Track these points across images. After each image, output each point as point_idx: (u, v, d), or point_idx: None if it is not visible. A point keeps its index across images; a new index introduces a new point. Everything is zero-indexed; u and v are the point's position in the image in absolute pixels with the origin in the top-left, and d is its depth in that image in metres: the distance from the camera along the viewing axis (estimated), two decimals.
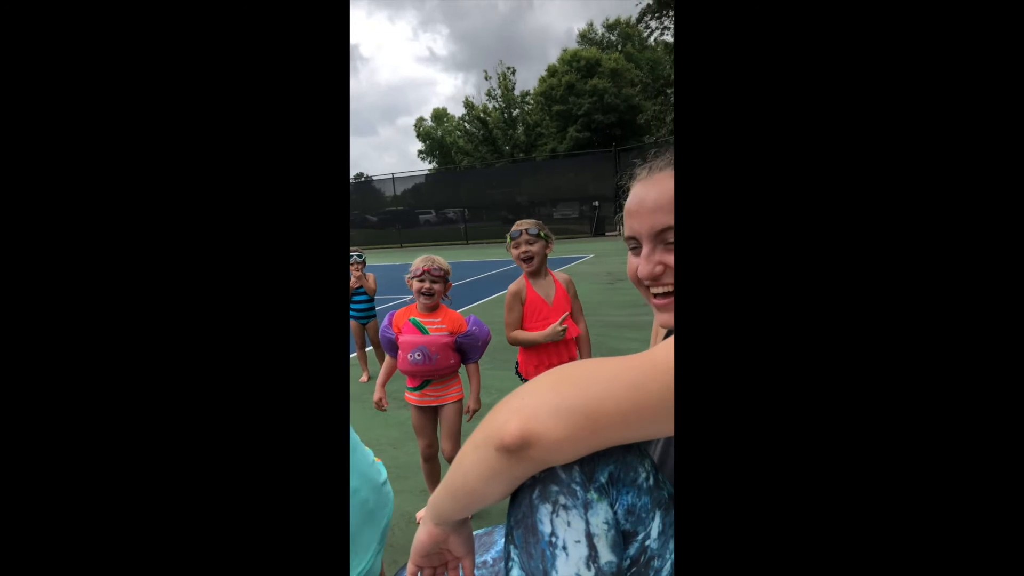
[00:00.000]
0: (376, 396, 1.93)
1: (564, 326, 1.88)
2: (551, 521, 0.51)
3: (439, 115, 30.70)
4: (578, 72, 23.99)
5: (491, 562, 0.83)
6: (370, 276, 3.54)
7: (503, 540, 0.73)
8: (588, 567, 0.50)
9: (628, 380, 0.50)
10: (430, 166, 29.73)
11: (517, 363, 2.02)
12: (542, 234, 1.91)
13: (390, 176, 19.58)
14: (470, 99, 29.80)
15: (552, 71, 25.20)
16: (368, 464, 0.87)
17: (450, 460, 1.88)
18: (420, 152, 30.63)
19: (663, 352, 0.53)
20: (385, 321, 1.91)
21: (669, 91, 20.02)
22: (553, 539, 0.51)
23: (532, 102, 28.08)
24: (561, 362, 1.86)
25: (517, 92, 29.94)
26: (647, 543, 0.54)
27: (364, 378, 3.67)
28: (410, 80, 74.00)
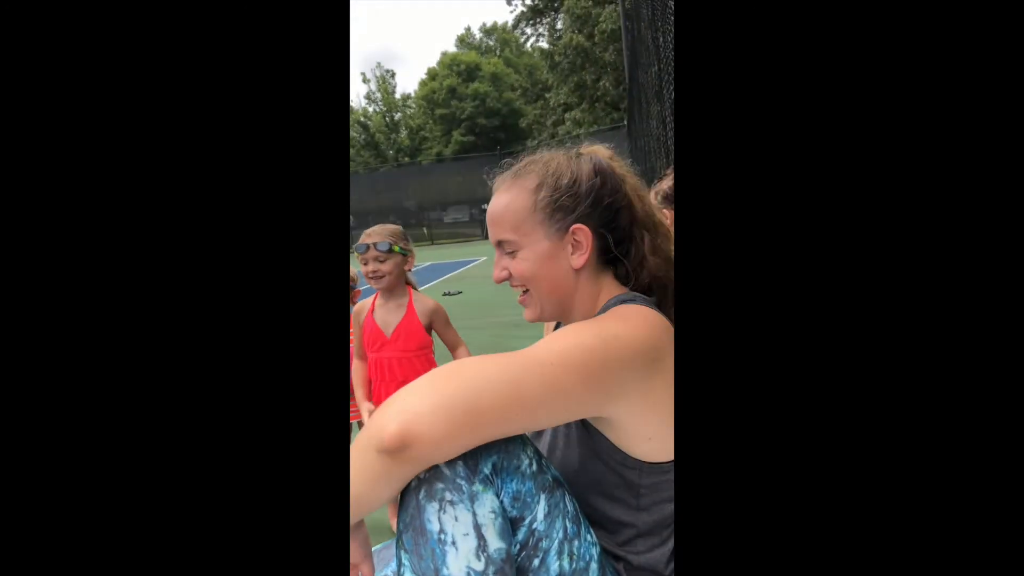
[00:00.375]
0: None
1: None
2: (439, 519, 0.52)
3: None
4: (459, 76, 24.13)
5: (391, 575, 0.82)
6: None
7: None
8: (478, 557, 0.52)
9: (508, 376, 0.52)
10: None
11: None
12: (396, 248, 1.50)
13: None
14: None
15: (432, 74, 25.10)
16: None
17: None
18: None
19: (542, 347, 0.56)
20: None
21: (548, 95, 20.80)
22: (442, 536, 0.51)
23: (414, 105, 27.75)
24: None
25: (398, 95, 29.44)
26: (534, 526, 0.56)
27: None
28: None
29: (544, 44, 21.93)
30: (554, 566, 0.56)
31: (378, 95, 28.89)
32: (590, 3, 16.51)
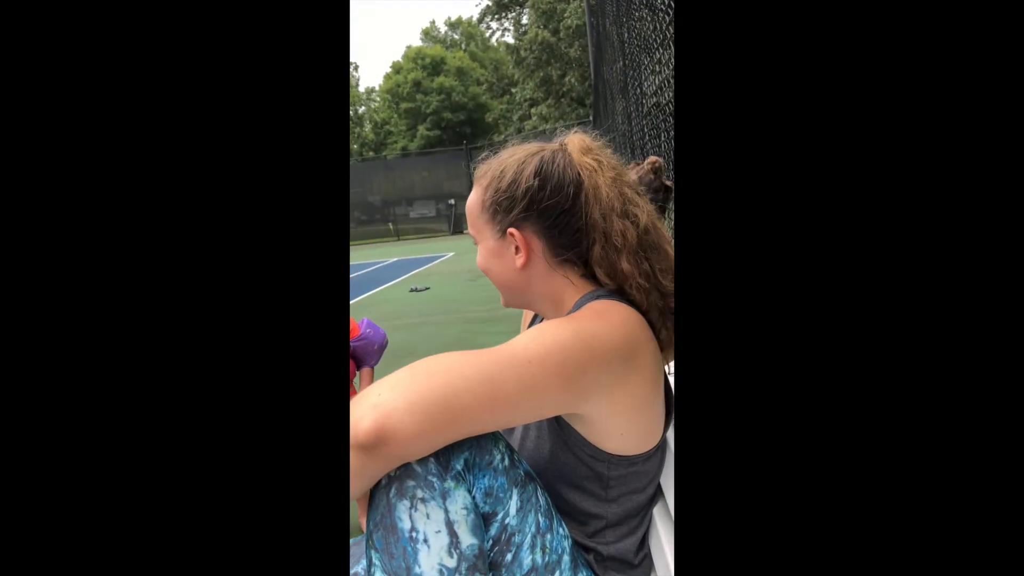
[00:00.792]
0: None
1: None
2: (410, 517, 0.51)
3: None
4: (424, 70, 23.85)
5: (362, 573, 0.81)
6: None
7: None
8: (451, 554, 0.51)
9: (486, 374, 0.51)
10: None
11: None
12: None
13: None
14: None
15: (397, 68, 24.74)
16: None
17: None
18: None
19: (520, 345, 0.55)
20: None
21: (513, 90, 20.79)
22: (413, 534, 0.51)
23: (379, 99, 27.31)
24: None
25: (362, 89, 28.90)
26: (507, 521, 0.56)
27: None
28: None
29: (510, 39, 21.89)
30: (527, 560, 0.57)
31: None
32: None
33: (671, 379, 0.73)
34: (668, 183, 1.38)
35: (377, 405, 0.49)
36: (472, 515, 0.53)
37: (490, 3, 21.42)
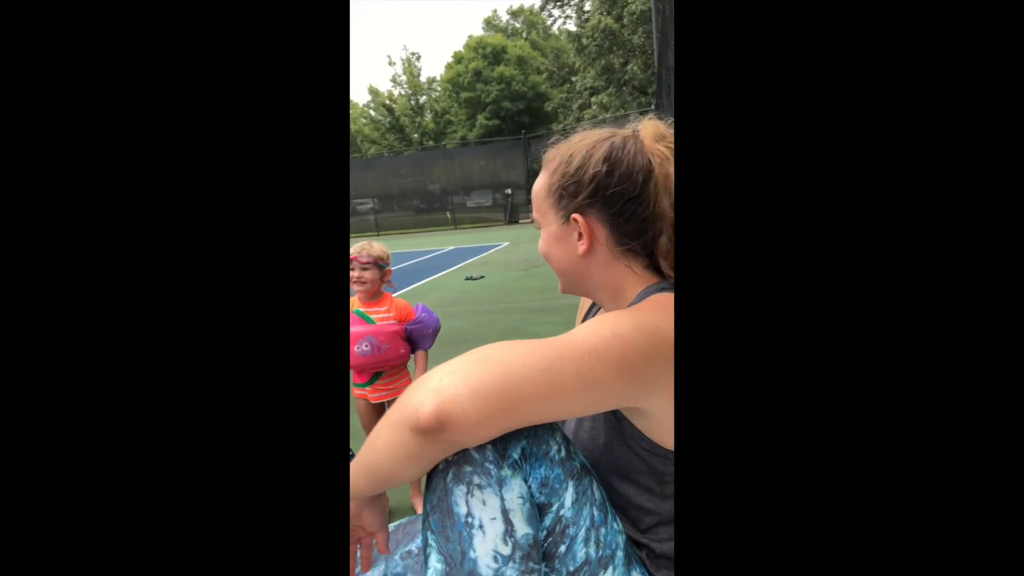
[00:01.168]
0: None
1: None
2: (466, 502, 0.52)
3: None
4: (484, 59, 23.92)
5: (415, 551, 0.83)
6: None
7: None
8: (505, 542, 0.52)
9: (547, 363, 0.51)
10: None
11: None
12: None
13: None
14: (374, 86, 28.81)
15: (458, 57, 24.93)
16: None
17: None
18: None
19: (580, 336, 0.55)
20: None
21: (574, 79, 20.51)
22: (469, 519, 0.52)
23: (439, 88, 27.66)
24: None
25: (423, 78, 29.35)
26: (561, 512, 0.56)
27: None
28: None
29: (571, 27, 21.57)
30: (580, 553, 0.56)
31: (403, 78, 28.84)
32: None
33: None
34: None
35: (439, 390, 0.49)
36: (528, 504, 0.54)
37: None
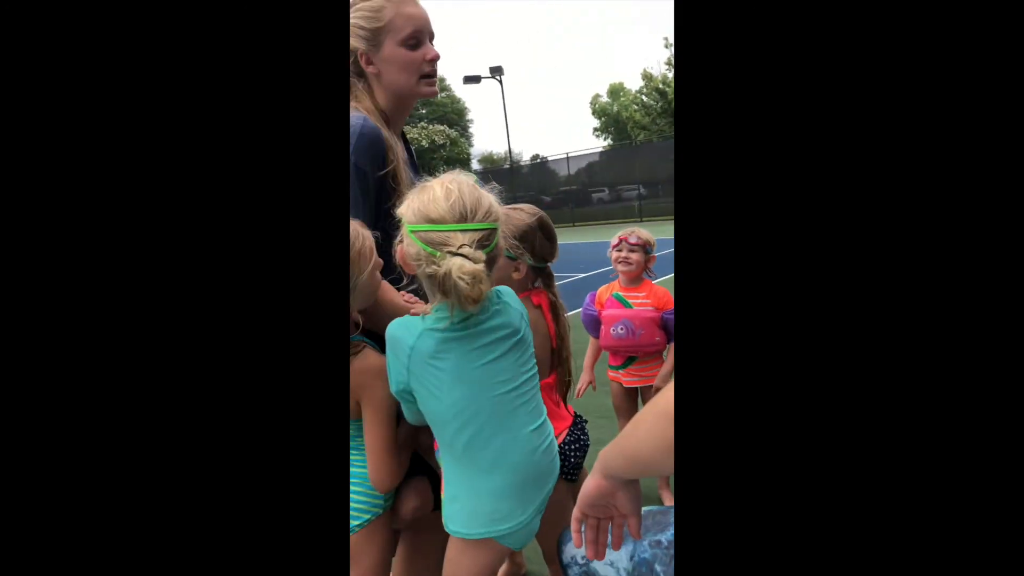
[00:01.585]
0: (585, 379, 1.87)
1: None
2: None
3: (615, 90, 30.02)
4: None
5: (665, 543, 0.81)
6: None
7: None
8: None
9: None
10: (605, 143, 29.38)
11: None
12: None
13: (564, 156, 19.83)
14: (648, 71, 28.52)
15: None
16: (529, 431, 0.90)
17: None
18: (595, 130, 30.35)
19: None
20: (587, 300, 1.88)
21: None
22: None
23: None
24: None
25: None
26: None
27: None
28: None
29: None
30: None
31: None
32: None
33: None
34: None
35: None
36: None
37: None
